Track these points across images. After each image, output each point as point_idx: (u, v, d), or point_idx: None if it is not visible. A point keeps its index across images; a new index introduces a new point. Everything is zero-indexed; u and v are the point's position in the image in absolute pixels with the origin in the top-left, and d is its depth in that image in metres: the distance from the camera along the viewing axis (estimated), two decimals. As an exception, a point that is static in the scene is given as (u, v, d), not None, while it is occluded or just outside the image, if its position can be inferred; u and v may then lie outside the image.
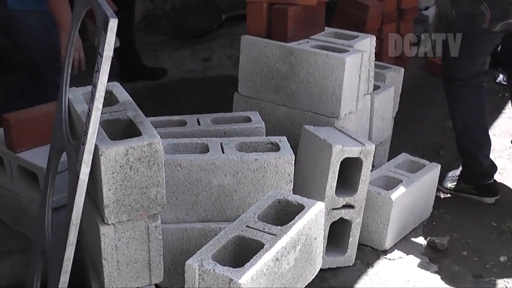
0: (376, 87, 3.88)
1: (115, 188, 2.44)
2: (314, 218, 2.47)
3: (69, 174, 2.53)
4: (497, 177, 4.09)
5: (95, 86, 2.30)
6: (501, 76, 5.60)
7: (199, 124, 3.35)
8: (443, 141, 4.32)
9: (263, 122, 3.37)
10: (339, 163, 3.05)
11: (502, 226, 3.73)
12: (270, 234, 2.32)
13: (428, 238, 3.59)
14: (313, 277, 2.56)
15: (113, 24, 2.25)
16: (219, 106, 3.74)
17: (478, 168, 4.02)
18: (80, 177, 2.35)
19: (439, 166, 3.68)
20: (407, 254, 3.46)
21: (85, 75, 2.98)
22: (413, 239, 3.62)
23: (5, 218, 3.55)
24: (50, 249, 2.64)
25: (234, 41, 3.76)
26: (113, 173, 2.43)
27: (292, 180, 3.00)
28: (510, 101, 5.03)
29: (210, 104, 3.85)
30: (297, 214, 2.44)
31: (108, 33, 2.26)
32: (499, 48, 4.61)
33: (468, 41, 3.80)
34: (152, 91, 4.55)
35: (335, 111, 3.46)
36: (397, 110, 4.24)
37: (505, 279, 3.30)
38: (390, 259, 3.43)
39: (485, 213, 3.92)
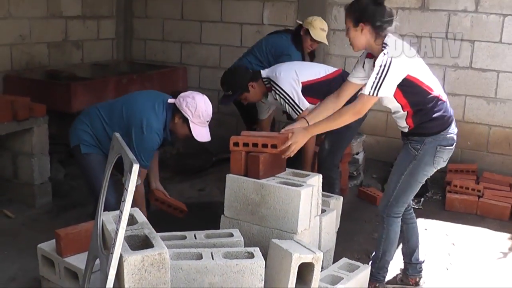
0: (323, 210, 3.88)
1: (134, 285, 2.42)
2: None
3: (100, 275, 2.52)
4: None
5: (121, 212, 2.32)
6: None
7: (195, 238, 3.32)
8: (371, 248, 4.30)
9: (242, 237, 3.36)
10: (297, 266, 3.03)
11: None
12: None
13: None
14: None
15: (135, 168, 2.30)
16: (210, 224, 3.71)
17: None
18: (109, 277, 2.35)
19: (369, 266, 3.66)
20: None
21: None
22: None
23: (52, 308, 3.47)
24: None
25: (222, 177, 3.78)
26: (132, 274, 2.44)
27: (263, 279, 2.99)
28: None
29: (204, 223, 3.83)
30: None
31: (132, 174, 2.31)
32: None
33: None
34: (162, 213, 4.53)
35: (294, 228, 3.46)
36: (338, 226, 4.21)
37: None
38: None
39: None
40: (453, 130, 3.56)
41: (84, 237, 3.21)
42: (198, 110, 3.87)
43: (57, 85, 5.58)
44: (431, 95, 3.44)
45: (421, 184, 3.68)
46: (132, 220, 2.84)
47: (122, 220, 2.32)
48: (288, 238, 3.40)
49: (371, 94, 3.33)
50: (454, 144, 3.58)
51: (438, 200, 5.62)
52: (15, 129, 4.79)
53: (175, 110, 3.91)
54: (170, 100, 3.97)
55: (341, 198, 4.28)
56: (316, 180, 3.71)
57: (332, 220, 3.97)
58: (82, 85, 5.53)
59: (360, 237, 4.70)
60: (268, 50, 5.53)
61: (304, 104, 4.53)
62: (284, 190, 3.47)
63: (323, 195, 3.91)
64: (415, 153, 3.55)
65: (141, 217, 2.90)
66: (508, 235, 4.94)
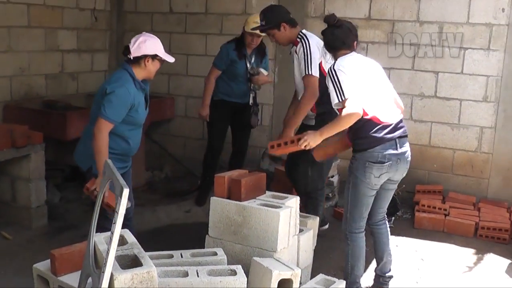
0: (300, 230, 3.89)
1: (124, 303, 2.41)
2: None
3: (92, 293, 2.51)
4: None
5: (112, 233, 2.32)
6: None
7: (182, 257, 3.30)
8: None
9: (225, 255, 3.34)
10: (277, 282, 3.04)
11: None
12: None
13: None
14: None
15: (126, 192, 2.30)
16: (195, 244, 3.71)
17: None
18: (100, 296, 2.33)
19: (344, 281, 3.66)
20: None
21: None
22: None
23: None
24: None
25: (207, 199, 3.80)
26: (123, 292, 2.41)
27: (245, 295, 2.97)
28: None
29: (190, 243, 3.82)
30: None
31: (122, 198, 2.31)
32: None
33: None
34: (150, 233, 4.52)
35: (273, 247, 3.47)
36: (315, 244, 4.21)
37: None
38: None
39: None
40: (383, 149, 3.60)
41: (77, 257, 3.16)
42: (156, 44, 3.73)
43: (53, 114, 5.57)
44: (363, 117, 3.55)
45: (370, 198, 3.76)
46: (122, 241, 2.84)
47: (113, 240, 2.31)
48: (268, 256, 3.40)
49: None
50: (387, 163, 3.61)
51: (408, 219, 5.66)
52: (14, 156, 4.79)
53: (136, 60, 3.69)
54: (126, 60, 3.75)
55: (317, 218, 4.29)
56: (294, 202, 3.73)
57: (309, 239, 3.98)
58: (77, 114, 5.53)
59: (335, 254, 4.70)
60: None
61: (316, 70, 4.40)
62: (264, 211, 3.48)
63: (300, 215, 3.92)
64: (351, 167, 3.71)
65: (131, 237, 2.89)
66: (473, 250, 4.99)
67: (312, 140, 3.66)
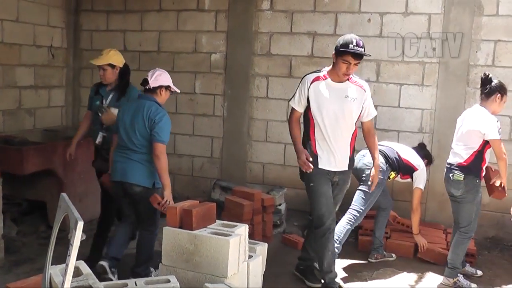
0: (250, 256, 3.95)
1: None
2: None
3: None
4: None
5: (67, 265, 2.33)
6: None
7: (136, 285, 3.29)
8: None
9: (178, 282, 3.35)
10: (226, 307, 3.09)
11: None
12: None
13: None
14: None
15: (80, 225, 2.33)
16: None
17: None
18: (56, 325, 2.33)
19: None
20: None
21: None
22: None
23: None
24: None
25: (161, 229, 3.83)
26: (78, 321, 2.41)
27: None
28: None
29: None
30: None
31: (77, 231, 2.33)
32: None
33: None
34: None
35: (224, 273, 3.52)
36: (264, 269, 4.27)
37: None
38: None
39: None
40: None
41: (34, 291, 3.16)
42: (168, 77, 4.43)
43: (10, 150, 5.49)
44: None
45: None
46: (77, 272, 2.85)
47: (68, 272, 2.33)
48: (219, 282, 3.45)
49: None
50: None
51: (352, 242, 5.76)
52: (-29, 191, 4.69)
53: (154, 90, 4.34)
54: (145, 91, 4.40)
55: (266, 244, 4.35)
56: (243, 229, 3.79)
57: (258, 264, 4.04)
58: (33, 149, 5.47)
59: (284, 278, 4.75)
60: None
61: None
62: (215, 239, 3.54)
63: (249, 242, 3.98)
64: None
65: (86, 269, 2.90)
66: (413, 269, 5.14)
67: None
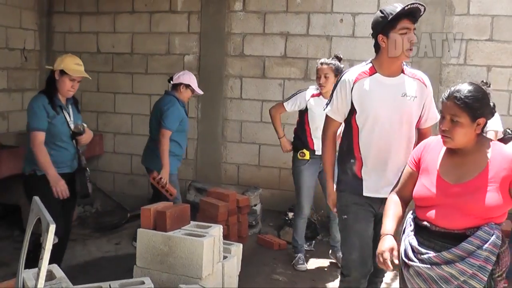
0: (225, 257, 3.95)
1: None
2: None
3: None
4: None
5: (39, 269, 2.31)
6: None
7: (110, 287, 3.29)
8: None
9: (152, 284, 3.31)
10: (201, 308, 3.09)
11: None
12: None
13: None
14: None
15: (52, 228, 2.31)
16: (125, 275, 3.70)
17: None
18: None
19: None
20: None
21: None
22: None
23: None
24: None
25: (136, 231, 3.83)
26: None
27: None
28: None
29: (120, 271, 3.83)
30: None
31: (49, 234, 2.31)
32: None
33: None
34: (81, 266, 4.46)
35: (199, 274, 3.52)
36: (240, 270, 4.25)
37: None
38: None
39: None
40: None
41: (6, 296, 3.13)
42: (191, 78, 5.16)
43: (-17, 154, 5.45)
44: None
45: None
46: (51, 276, 2.83)
47: (40, 276, 2.31)
48: (194, 283, 3.45)
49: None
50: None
51: (327, 242, 5.80)
52: None
53: (175, 86, 5.15)
54: (170, 87, 5.26)
55: (241, 245, 4.34)
56: (217, 230, 3.80)
57: (233, 265, 4.04)
58: (7, 153, 5.43)
59: (259, 278, 4.77)
60: None
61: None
62: (189, 240, 3.54)
63: (224, 243, 3.99)
64: None
65: (59, 272, 2.89)
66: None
67: None
